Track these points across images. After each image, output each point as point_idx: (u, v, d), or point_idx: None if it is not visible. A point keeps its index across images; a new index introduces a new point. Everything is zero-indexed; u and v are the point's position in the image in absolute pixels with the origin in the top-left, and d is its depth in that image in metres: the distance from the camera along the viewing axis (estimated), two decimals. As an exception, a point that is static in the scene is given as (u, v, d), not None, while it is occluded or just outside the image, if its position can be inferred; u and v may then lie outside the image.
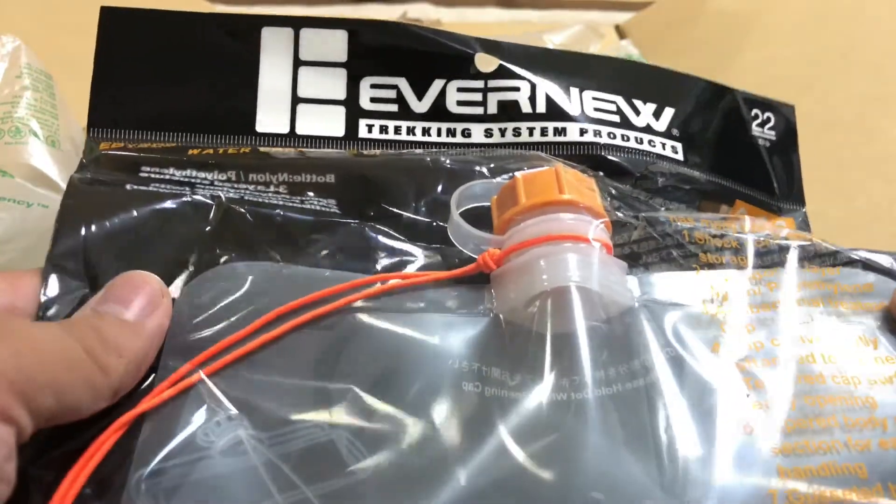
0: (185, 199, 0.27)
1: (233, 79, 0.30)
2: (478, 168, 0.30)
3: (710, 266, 0.27)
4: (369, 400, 0.23)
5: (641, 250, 0.28)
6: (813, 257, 0.27)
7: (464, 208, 0.28)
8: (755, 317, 0.25)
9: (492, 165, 0.30)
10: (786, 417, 0.23)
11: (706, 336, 0.25)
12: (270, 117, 0.30)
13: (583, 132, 0.31)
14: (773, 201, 0.34)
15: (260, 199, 0.27)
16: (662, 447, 0.23)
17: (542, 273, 0.25)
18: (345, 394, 0.23)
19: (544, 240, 0.25)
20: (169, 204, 0.26)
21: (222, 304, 0.25)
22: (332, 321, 0.25)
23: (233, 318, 0.24)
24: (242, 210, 0.27)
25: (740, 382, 0.24)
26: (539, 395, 0.24)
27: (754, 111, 0.35)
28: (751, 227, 0.28)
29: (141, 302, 0.24)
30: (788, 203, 0.34)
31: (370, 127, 0.30)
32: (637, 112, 0.33)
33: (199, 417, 0.23)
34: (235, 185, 0.28)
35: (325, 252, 0.27)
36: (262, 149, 0.30)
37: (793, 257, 0.27)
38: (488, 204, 0.28)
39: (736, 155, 0.34)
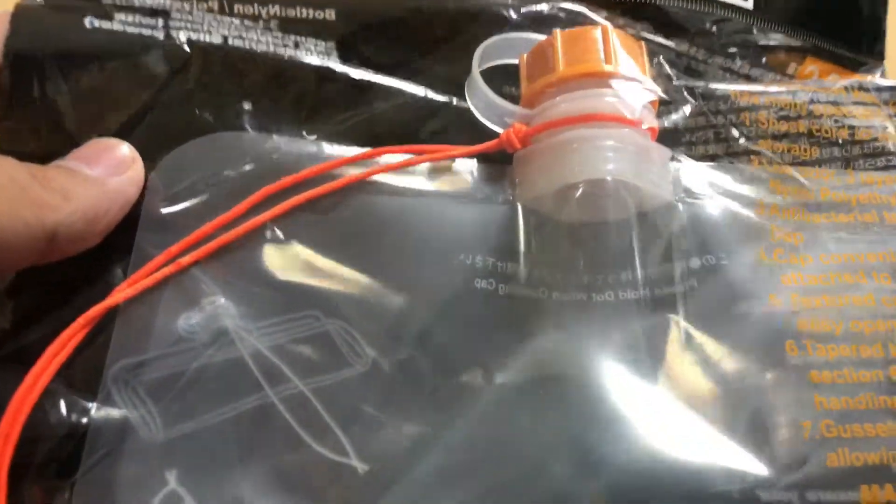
0: (156, 48, 0.22)
1: None
2: (505, 13, 0.25)
3: (770, 158, 0.23)
4: (369, 292, 0.21)
5: (691, 133, 0.24)
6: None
7: (489, 64, 0.24)
8: (811, 227, 0.22)
9: (522, 10, 0.25)
10: (825, 342, 0.21)
11: (752, 244, 0.22)
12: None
13: None
14: (851, 54, 0.28)
15: (246, 44, 0.23)
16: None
17: (575, 161, 0.21)
18: (342, 284, 0.21)
19: (580, 120, 0.21)
20: (137, 51, 0.22)
21: (204, 181, 0.22)
22: (330, 203, 0.22)
23: (217, 198, 0.21)
24: (225, 60, 0.23)
25: (782, 300, 0.21)
26: (558, 294, 0.22)
27: None
28: (827, 111, 0.24)
29: (106, 163, 0.21)
30: (869, 56, 0.29)
31: None
32: None
33: (182, 306, 0.21)
34: (218, 19, 0.23)
35: (322, 116, 0.23)
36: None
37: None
38: (517, 61, 0.24)
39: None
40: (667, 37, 0.26)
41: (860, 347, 0.20)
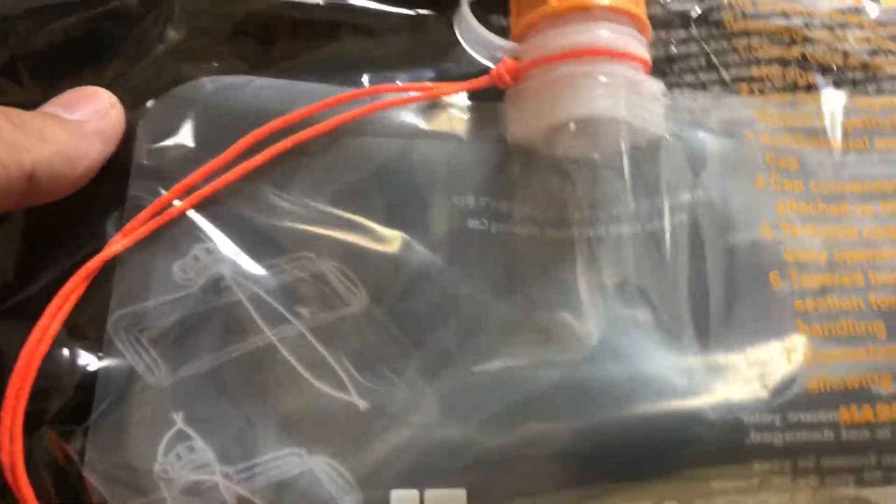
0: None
1: None
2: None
3: (762, 87, 0.23)
4: (361, 234, 0.21)
5: (683, 61, 0.24)
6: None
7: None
8: (804, 153, 0.22)
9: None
10: (813, 273, 0.21)
11: (744, 176, 0.22)
12: None
13: None
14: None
15: None
16: (680, 297, 0.21)
17: (566, 99, 0.21)
18: (335, 226, 0.21)
19: (571, 55, 0.21)
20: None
21: (190, 127, 0.22)
22: (318, 146, 0.22)
23: (205, 144, 0.21)
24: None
25: (773, 229, 0.21)
26: (549, 230, 0.22)
27: None
28: (822, 35, 0.24)
29: (84, 108, 0.21)
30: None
31: None
32: None
33: (177, 253, 0.21)
34: None
35: (307, 53, 0.23)
36: None
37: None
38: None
39: None
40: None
41: (842, 276, 0.21)
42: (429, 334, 0.21)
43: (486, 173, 0.22)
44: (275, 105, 0.22)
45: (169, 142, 0.21)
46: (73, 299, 0.20)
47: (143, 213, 0.21)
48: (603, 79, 0.21)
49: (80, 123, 0.21)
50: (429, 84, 0.22)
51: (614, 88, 0.21)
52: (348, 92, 0.22)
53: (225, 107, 0.22)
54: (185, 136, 0.21)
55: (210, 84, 0.22)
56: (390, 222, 0.21)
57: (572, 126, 0.21)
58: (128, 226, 0.21)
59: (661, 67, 0.24)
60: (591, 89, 0.21)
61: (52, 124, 0.20)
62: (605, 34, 0.21)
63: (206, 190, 0.21)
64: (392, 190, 0.22)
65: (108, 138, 0.21)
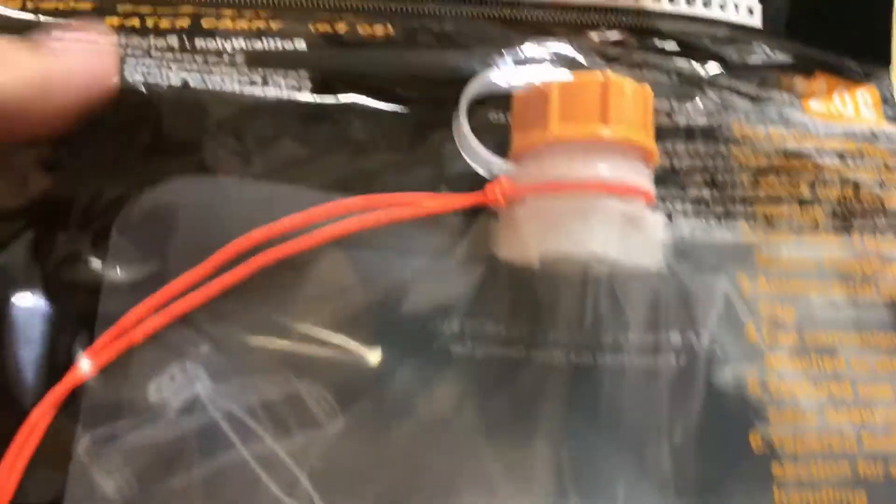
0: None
1: None
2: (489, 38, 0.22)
3: (765, 216, 0.22)
4: (342, 355, 0.21)
5: (687, 176, 0.23)
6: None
7: (476, 95, 0.22)
8: (802, 301, 0.22)
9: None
10: (799, 435, 0.21)
11: (735, 324, 0.21)
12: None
13: None
14: (857, 67, 0.27)
15: (209, 83, 0.21)
16: (650, 444, 0.21)
17: (560, 233, 0.20)
18: (314, 345, 0.21)
19: (571, 187, 0.20)
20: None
21: (165, 235, 0.20)
22: (301, 258, 0.21)
23: (181, 254, 0.20)
24: (185, 100, 0.20)
25: (760, 386, 0.21)
26: (537, 353, 0.21)
27: None
28: (832, 164, 0.23)
29: (71, 35, 0.20)
30: (873, 65, 0.27)
31: None
32: None
33: (151, 372, 0.20)
34: (177, 57, 0.21)
35: (288, 155, 0.21)
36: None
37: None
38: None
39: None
40: (671, 57, 0.24)
41: (832, 439, 0.21)
42: (404, 463, 0.21)
43: (473, 294, 0.21)
44: (257, 212, 0.21)
45: (141, 251, 0.20)
46: (41, 429, 0.19)
47: (113, 330, 0.20)
48: (599, 216, 0.20)
49: (58, 51, 0.19)
50: (416, 197, 0.21)
51: (610, 226, 0.20)
52: (337, 202, 0.21)
53: (202, 213, 0.21)
54: (158, 245, 0.20)
55: (186, 186, 0.21)
56: (372, 344, 0.21)
57: (565, 261, 0.20)
58: (97, 343, 0.20)
59: (663, 176, 0.23)
60: (586, 226, 0.20)
61: (21, 48, 0.19)
62: (607, 168, 0.20)
63: (182, 306, 0.20)
64: (375, 309, 0.21)
65: (97, 74, 0.20)
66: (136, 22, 0.22)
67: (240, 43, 0.21)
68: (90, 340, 0.20)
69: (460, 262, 0.21)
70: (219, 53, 0.21)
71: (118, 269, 0.20)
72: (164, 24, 0.22)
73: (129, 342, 0.20)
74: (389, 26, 0.22)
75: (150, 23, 0.22)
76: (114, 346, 0.20)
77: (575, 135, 0.20)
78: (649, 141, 0.20)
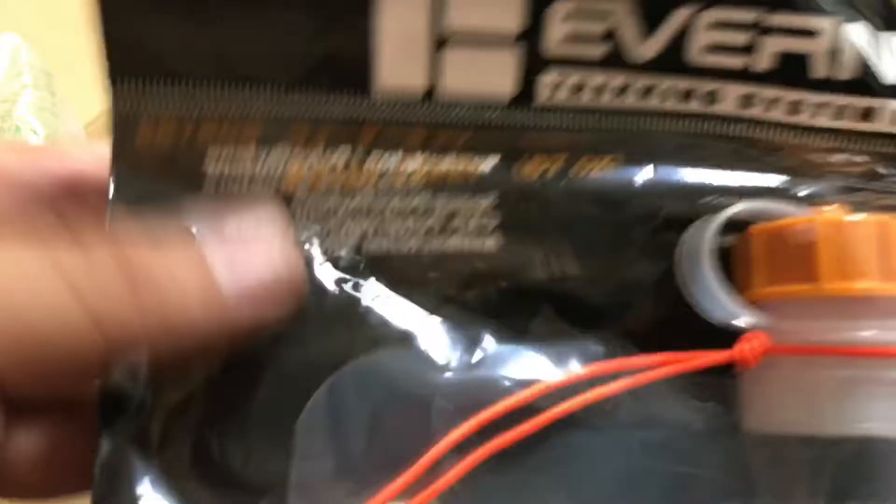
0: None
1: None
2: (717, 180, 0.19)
3: None
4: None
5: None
6: None
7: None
8: None
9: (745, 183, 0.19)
10: None
11: None
12: (396, 65, 0.18)
13: None
14: None
15: (399, 247, 0.18)
16: None
17: (834, 409, 0.17)
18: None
19: (843, 352, 0.17)
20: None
21: (366, 423, 0.17)
22: (524, 446, 0.17)
23: (390, 448, 0.17)
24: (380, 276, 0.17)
25: None
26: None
27: None
28: None
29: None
30: None
31: (557, 85, 0.19)
32: None
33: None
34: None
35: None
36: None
37: None
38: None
39: None
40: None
41: None
42: None
43: (720, 473, 0.18)
44: (460, 391, 0.17)
45: (341, 442, 0.17)
46: None
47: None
48: (885, 388, 0.17)
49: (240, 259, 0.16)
50: (652, 362, 0.18)
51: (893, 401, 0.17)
52: (556, 381, 0.17)
53: (396, 399, 0.17)
54: (363, 436, 0.17)
55: (394, 365, 0.17)
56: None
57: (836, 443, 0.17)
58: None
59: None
60: (869, 401, 0.17)
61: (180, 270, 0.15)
62: (888, 331, 0.17)
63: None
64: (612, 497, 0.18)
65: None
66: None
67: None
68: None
69: (706, 435, 0.18)
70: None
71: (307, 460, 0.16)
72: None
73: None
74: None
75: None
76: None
77: (852, 290, 0.17)
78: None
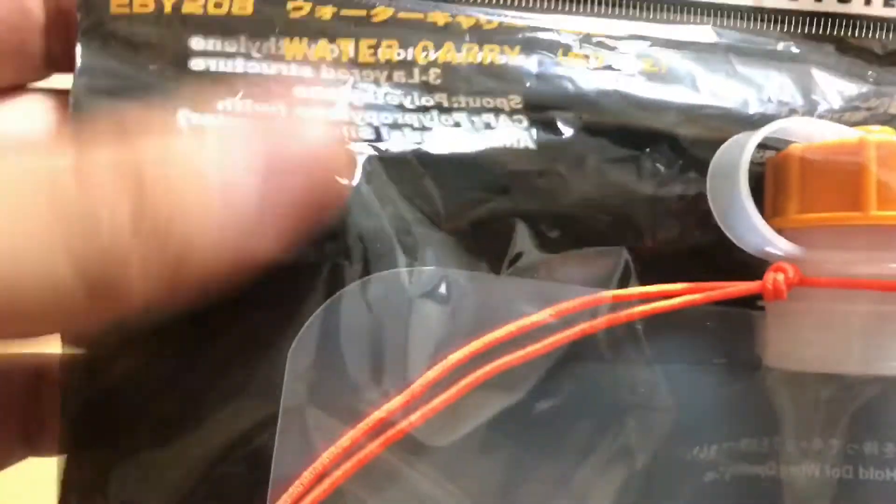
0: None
1: None
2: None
3: None
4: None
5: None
6: None
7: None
8: None
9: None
10: None
11: None
12: None
13: None
14: None
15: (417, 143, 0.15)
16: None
17: (863, 349, 0.16)
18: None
19: (882, 287, 0.16)
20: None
21: (362, 345, 0.15)
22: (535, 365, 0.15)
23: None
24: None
25: None
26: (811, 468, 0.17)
27: None
28: None
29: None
30: None
31: None
32: None
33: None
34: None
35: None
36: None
37: None
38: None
39: None
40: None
41: None
42: None
43: (734, 412, 0.17)
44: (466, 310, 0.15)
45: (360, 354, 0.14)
46: None
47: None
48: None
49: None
50: (671, 291, 0.16)
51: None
52: (582, 297, 0.15)
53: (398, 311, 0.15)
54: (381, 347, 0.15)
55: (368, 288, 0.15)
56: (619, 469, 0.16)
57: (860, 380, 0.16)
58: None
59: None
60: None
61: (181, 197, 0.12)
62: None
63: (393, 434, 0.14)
64: (620, 430, 0.16)
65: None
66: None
67: None
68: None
69: (722, 372, 0.17)
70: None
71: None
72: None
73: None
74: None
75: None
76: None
77: (900, 222, 0.16)
78: None
